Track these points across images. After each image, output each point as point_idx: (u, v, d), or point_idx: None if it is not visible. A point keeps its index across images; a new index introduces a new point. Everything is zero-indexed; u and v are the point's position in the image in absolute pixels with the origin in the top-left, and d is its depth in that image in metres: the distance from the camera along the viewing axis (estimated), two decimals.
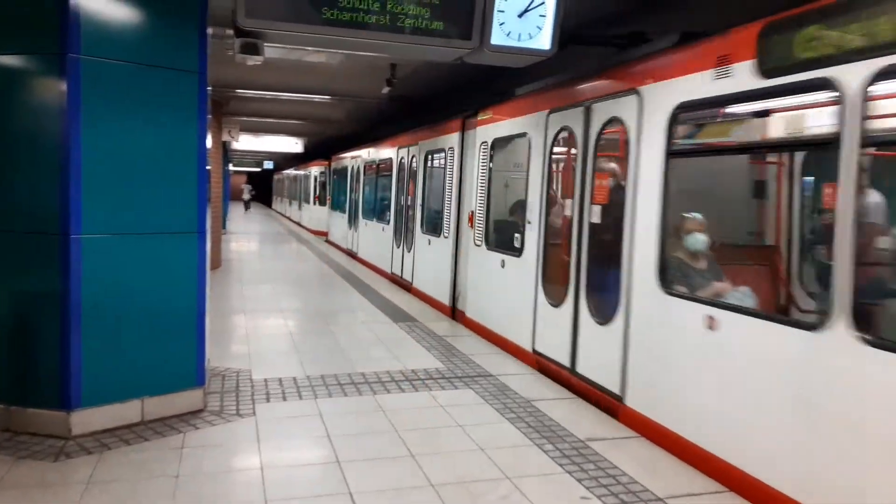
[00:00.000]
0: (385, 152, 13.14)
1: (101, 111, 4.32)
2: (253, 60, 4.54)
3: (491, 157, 7.71)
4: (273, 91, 12.29)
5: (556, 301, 5.93)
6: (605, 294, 5.19)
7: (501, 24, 4.51)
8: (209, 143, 4.95)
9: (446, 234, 9.14)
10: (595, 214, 5.35)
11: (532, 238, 6.45)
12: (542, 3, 4.55)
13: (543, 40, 4.60)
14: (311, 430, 4.59)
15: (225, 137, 15.37)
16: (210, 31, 4.88)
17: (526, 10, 4.54)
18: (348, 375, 5.87)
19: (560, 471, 4.01)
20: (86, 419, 4.38)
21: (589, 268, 5.43)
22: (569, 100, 5.88)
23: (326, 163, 22.16)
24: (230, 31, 4.43)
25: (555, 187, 6.44)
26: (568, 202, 5.81)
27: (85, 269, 4.31)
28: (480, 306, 7.90)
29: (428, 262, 10.02)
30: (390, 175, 12.51)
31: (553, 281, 6.07)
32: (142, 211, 4.54)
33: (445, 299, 9.11)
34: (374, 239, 13.80)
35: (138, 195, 4.52)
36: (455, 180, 8.99)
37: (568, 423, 4.84)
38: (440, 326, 8.25)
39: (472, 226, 8.13)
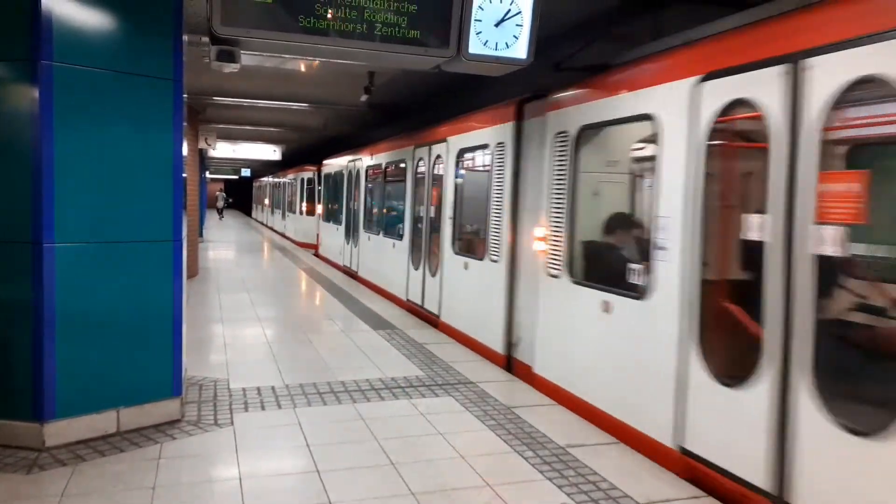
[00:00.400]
0: (395, 153, 11.18)
1: (75, 119, 4.27)
2: (229, 68, 4.52)
3: (575, 153, 5.46)
4: (250, 98, 12.23)
5: (731, 379, 3.76)
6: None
7: (479, 34, 4.54)
8: (185, 150, 4.92)
9: (495, 258, 6.92)
10: (825, 240, 3.21)
11: (670, 272, 4.23)
12: (519, 12, 4.60)
13: (520, 49, 4.65)
14: (290, 439, 4.56)
15: (201, 145, 15.26)
16: (186, 38, 4.86)
17: (503, 20, 4.58)
18: (327, 384, 5.84)
19: (541, 477, 4.02)
20: (60, 430, 4.31)
21: (818, 328, 3.25)
22: (756, 52, 3.65)
23: (315, 168, 20.21)
24: (206, 39, 4.41)
25: (719, 194, 4.09)
26: (755, 218, 3.63)
27: (58, 279, 4.25)
28: (565, 366, 5.51)
29: (464, 291, 7.88)
30: (403, 180, 10.69)
31: (720, 344, 3.98)
32: (116, 219, 4.50)
33: (497, 345, 6.86)
34: (380, 256, 11.72)
35: (113, 203, 4.47)
36: (508, 186, 6.74)
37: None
38: (498, 387, 5.93)
39: (540, 248, 5.95)
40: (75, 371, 4.36)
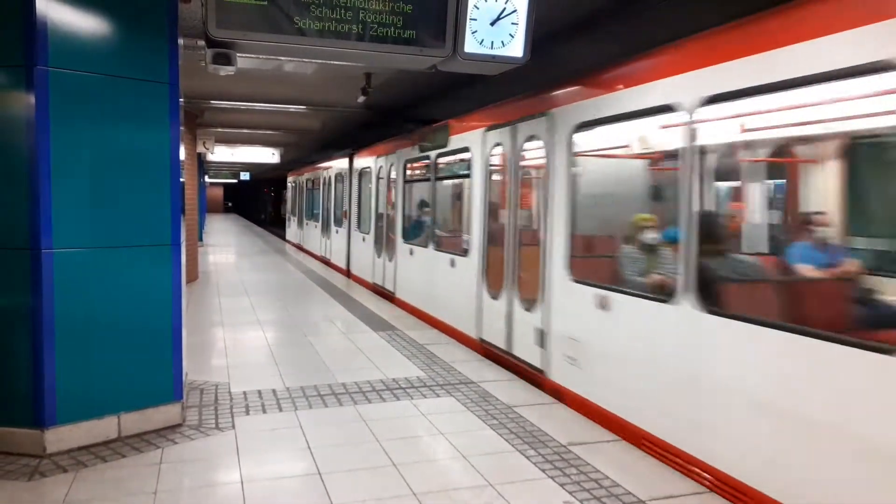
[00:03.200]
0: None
1: (71, 123, 4.27)
2: (225, 71, 4.51)
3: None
4: (248, 102, 12.23)
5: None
6: None
7: (474, 33, 4.53)
8: (182, 154, 4.91)
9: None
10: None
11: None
12: (514, 10, 4.59)
13: (516, 48, 4.63)
14: (291, 442, 4.55)
15: (199, 149, 15.26)
16: (181, 41, 4.85)
17: (498, 18, 4.57)
18: (328, 386, 5.83)
19: (543, 476, 4.01)
20: (61, 437, 4.30)
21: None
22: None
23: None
24: (202, 42, 4.40)
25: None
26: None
27: (57, 284, 4.25)
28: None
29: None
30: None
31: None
32: (114, 224, 4.49)
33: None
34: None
35: (110, 208, 4.46)
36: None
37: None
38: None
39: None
40: (75, 377, 4.35)
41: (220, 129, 16.78)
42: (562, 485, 3.89)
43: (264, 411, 5.14)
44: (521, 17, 4.61)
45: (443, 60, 4.60)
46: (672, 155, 4.34)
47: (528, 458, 4.30)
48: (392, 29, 4.38)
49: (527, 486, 3.89)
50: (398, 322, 9.02)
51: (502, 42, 4.61)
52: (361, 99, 9.72)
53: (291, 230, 25.88)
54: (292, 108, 12.68)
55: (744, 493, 3.63)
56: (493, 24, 4.57)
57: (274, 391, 5.64)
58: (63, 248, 4.27)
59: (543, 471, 4.09)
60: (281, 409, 5.19)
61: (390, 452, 4.35)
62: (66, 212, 4.27)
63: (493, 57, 4.61)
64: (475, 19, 4.53)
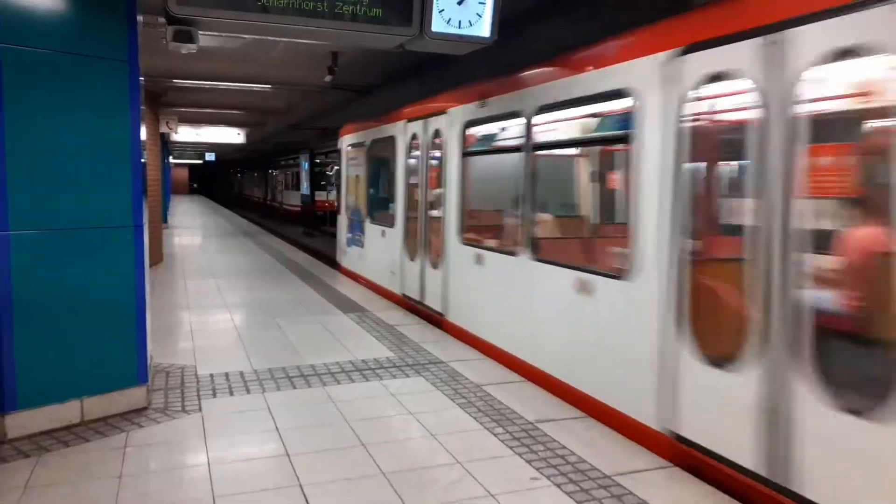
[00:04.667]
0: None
1: (26, 102, 4.14)
2: (187, 49, 4.41)
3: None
4: (211, 81, 11.98)
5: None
6: None
7: (441, 11, 4.50)
8: (144, 134, 4.80)
9: None
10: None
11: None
12: None
13: (484, 27, 4.61)
14: (259, 423, 4.54)
15: (163, 129, 14.92)
16: (140, 18, 4.73)
17: None
18: (297, 368, 5.81)
19: (510, 453, 4.07)
20: (22, 422, 4.23)
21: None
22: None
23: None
24: (162, 19, 4.30)
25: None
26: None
27: (14, 267, 4.15)
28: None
29: None
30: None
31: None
32: (73, 205, 4.39)
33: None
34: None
35: (69, 189, 4.36)
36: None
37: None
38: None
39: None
40: (35, 361, 4.27)
41: (183, 109, 16.43)
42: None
43: (231, 393, 5.11)
44: None
45: (409, 39, 4.56)
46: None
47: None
48: (359, 7, 4.32)
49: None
50: (368, 304, 9.01)
51: (469, 21, 4.59)
52: (328, 78, 9.59)
53: (352, 252, 11.63)
54: (257, 87, 12.47)
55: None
56: (460, 2, 4.54)
57: (241, 373, 5.60)
58: (20, 231, 4.16)
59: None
60: (249, 392, 5.16)
61: (359, 432, 4.37)
62: (22, 193, 4.16)
63: (461, 37, 4.58)
64: None
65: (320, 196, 24.49)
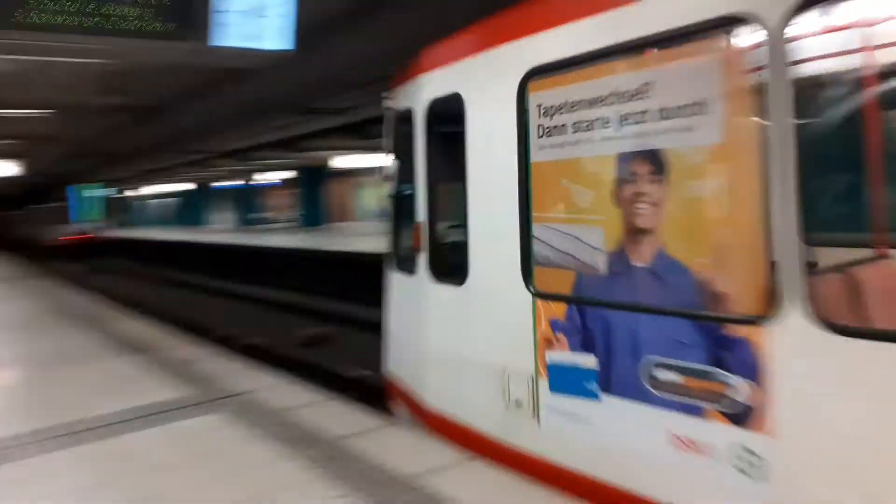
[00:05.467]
0: None
1: None
2: None
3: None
4: None
5: None
6: None
7: (226, 24, 4.38)
8: None
9: None
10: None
11: None
12: (271, 3, 4.49)
13: (273, 40, 4.55)
14: (34, 490, 3.89)
15: None
16: None
17: (253, 10, 4.45)
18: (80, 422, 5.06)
19: (314, 476, 3.89)
20: None
21: None
22: None
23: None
24: None
25: None
26: None
27: None
28: None
29: None
30: None
31: None
32: None
33: None
34: None
35: None
36: None
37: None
38: None
39: None
40: None
41: None
42: None
43: None
44: (280, 8, 4.52)
45: (193, 53, 4.39)
46: None
47: None
48: (138, 21, 4.08)
49: None
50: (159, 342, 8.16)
51: (258, 35, 4.51)
52: (109, 99, 8.92)
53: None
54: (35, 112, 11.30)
55: None
56: (246, 15, 4.44)
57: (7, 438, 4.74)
58: None
59: None
60: (18, 459, 4.36)
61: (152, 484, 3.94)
62: None
63: (247, 50, 4.48)
64: (227, 11, 4.36)
65: None
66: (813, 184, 2.71)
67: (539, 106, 3.36)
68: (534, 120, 3.39)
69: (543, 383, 3.42)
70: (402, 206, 4.84)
